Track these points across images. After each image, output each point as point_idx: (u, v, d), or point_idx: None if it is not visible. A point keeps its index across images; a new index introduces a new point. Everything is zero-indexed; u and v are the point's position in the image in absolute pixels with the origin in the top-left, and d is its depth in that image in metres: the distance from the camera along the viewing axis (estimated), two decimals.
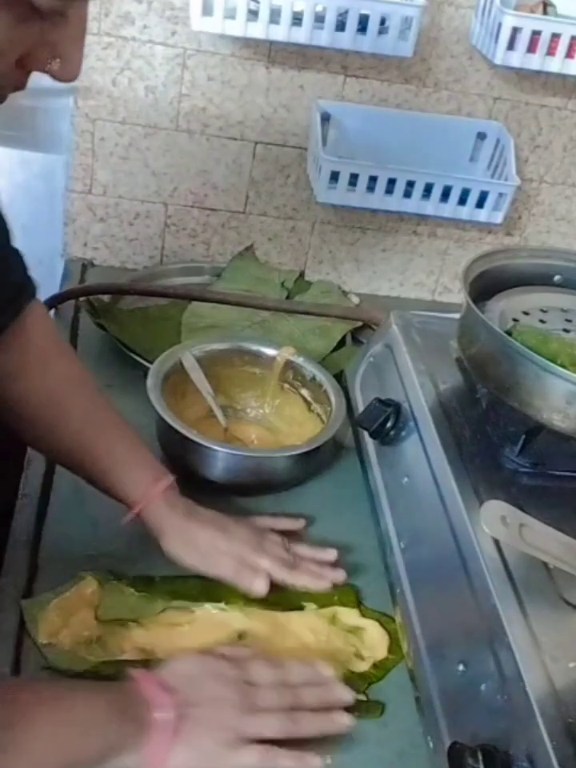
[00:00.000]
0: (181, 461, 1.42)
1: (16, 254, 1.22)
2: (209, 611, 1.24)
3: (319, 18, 1.66)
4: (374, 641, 1.25)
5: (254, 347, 1.63)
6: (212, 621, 1.23)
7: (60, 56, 0.78)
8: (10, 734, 0.89)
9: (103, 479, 1.28)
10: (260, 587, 1.25)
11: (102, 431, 1.29)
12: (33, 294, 1.26)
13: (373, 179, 1.80)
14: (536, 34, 1.69)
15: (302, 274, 2.07)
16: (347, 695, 1.12)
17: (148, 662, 1.14)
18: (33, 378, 1.26)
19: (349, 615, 1.28)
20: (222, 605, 1.25)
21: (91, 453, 1.28)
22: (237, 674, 1.07)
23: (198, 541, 1.26)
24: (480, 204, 1.84)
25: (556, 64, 1.73)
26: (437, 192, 1.82)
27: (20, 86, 0.81)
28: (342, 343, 1.84)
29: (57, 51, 0.77)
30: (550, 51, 1.72)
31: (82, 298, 1.80)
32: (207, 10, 1.66)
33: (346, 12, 1.65)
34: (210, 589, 1.27)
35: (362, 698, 1.16)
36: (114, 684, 1.02)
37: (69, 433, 1.28)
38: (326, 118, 1.86)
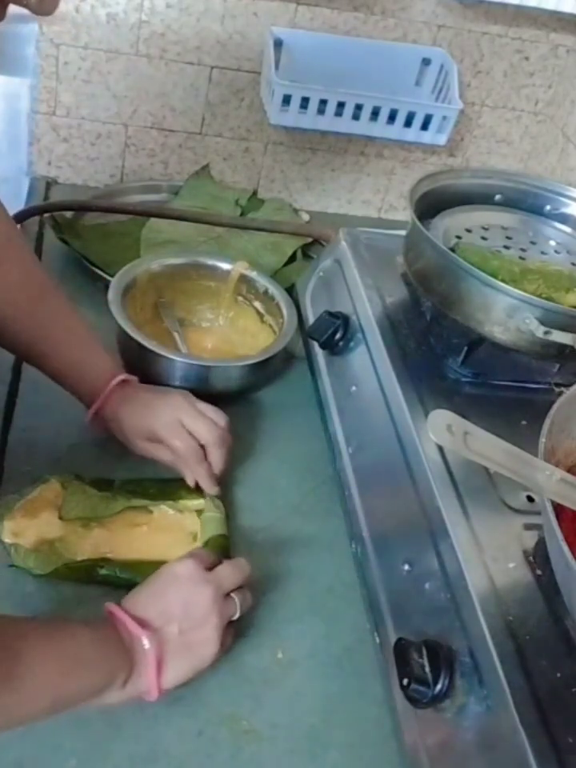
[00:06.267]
0: (141, 370, 1.38)
1: None
2: (165, 512, 1.22)
3: None
4: None
5: (210, 261, 1.60)
6: (168, 522, 1.22)
7: None
8: (7, 666, 0.83)
9: (59, 378, 1.26)
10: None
11: (55, 331, 1.25)
12: None
13: (323, 102, 1.77)
14: None
15: (255, 192, 2.05)
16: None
17: (108, 562, 1.12)
18: None
19: None
20: (178, 505, 1.23)
21: (46, 353, 1.25)
22: (189, 575, 1.02)
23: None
24: (425, 126, 1.81)
25: None
26: (384, 115, 1.79)
27: None
28: (293, 258, 1.82)
29: None
30: None
31: (46, 215, 1.77)
32: None
33: None
34: (167, 490, 1.25)
35: None
36: (91, 620, 0.97)
37: (24, 333, 1.24)
38: (278, 44, 1.82)
